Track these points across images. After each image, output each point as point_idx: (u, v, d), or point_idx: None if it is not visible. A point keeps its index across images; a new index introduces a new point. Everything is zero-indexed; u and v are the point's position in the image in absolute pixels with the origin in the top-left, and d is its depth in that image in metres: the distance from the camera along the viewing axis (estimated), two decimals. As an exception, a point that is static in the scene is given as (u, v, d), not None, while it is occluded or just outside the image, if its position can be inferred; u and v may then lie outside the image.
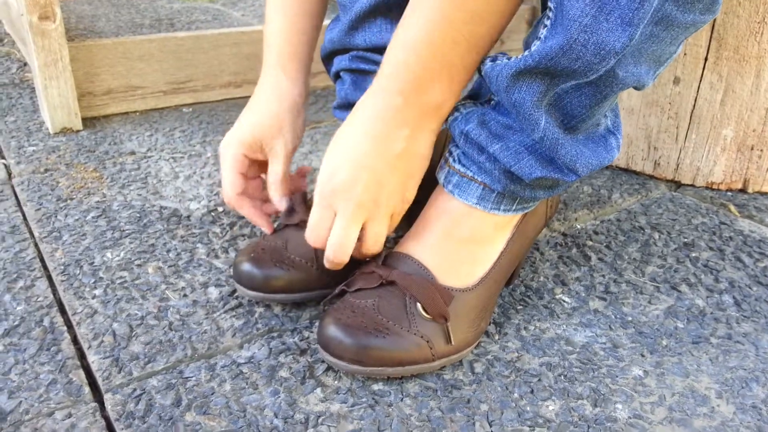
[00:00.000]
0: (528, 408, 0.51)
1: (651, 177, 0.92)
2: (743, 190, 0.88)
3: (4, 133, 1.00)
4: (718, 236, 0.76)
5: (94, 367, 0.54)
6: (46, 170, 0.88)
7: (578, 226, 0.79)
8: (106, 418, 0.49)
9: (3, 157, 0.92)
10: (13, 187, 0.84)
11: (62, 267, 0.67)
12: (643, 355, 0.57)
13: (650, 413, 0.51)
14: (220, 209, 0.80)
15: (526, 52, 0.47)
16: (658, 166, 0.91)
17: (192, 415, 0.49)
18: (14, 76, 1.27)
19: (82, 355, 0.55)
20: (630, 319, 0.61)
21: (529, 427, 0.49)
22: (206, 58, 1.13)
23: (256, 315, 0.61)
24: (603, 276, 0.68)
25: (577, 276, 0.68)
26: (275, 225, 0.65)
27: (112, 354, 0.55)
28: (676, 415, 0.50)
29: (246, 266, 0.58)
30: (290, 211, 0.63)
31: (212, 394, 0.51)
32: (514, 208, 0.56)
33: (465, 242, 0.56)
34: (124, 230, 0.74)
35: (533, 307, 0.63)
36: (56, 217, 0.76)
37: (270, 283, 0.58)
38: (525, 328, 0.60)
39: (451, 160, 0.56)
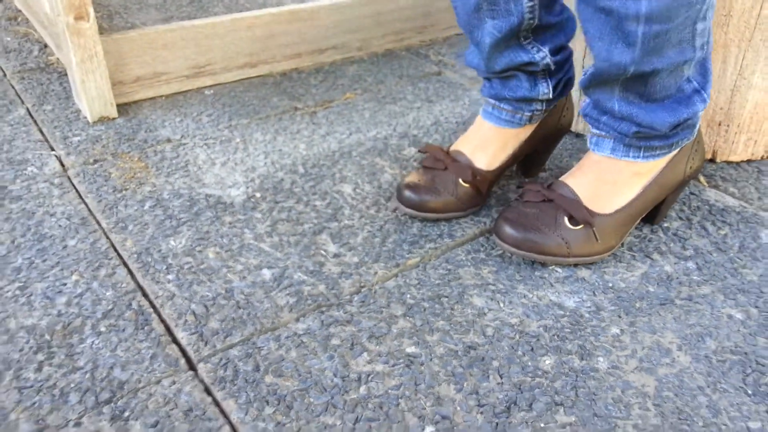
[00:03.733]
0: (529, 363, 0.65)
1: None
2: (712, 160, 1.01)
3: (46, 123, 1.10)
4: (687, 206, 0.90)
5: (183, 342, 0.67)
6: (95, 161, 0.99)
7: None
8: (203, 383, 0.62)
9: (52, 149, 1.02)
10: (70, 178, 0.95)
11: (135, 255, 0.79)
12: (620, 316, 0.71)
13: (624, 364, 0.65)
14: (258, 195, 0.92)
15: (582, 75, 0.75)
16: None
17: (270, 377, 0.63)
18: (39, 60, 1.35)
19: (170, 332, 0.68)
20: (611, 285, 0.75)
21: (531, 377, 0.63)
22: (223, 43, 1.22)
23: (305, 293, 0.74)
24: (589, 248, 0.81)
25: (567, 248, 0.81)
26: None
27: (196, 330, 0.68)
28: (645, 365, 0.65)
29: (407, 192, 0.82)
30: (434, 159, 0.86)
31: (282, 360, 0.65)
32: (641, 155, 0.76)
33: (609, 183, 0.77)
34: (179, 219, 0.86)
35: (533, 278, 0.76)
36: (117, 208, 0.88)
37: (424, 205, 0.82)
38: (526, 296, 0.73)
39: (589, 126, 0.79)
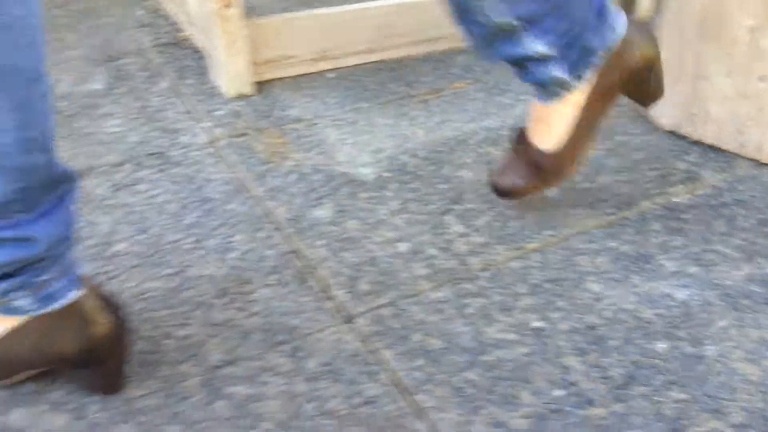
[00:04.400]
0: (645, 345, 0.73)
1: (736, 155, 1.10)
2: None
3: (189, 97, 1.22)
4: (788, 214, 0.95)
5: (339, 299, 0.78)
6: (240, 134, 1.10)
7: (675, 200, 0.98)
8: (361, 334, 0.73)
9: (200, 121, 1.14)
10: (219, 149, 1.06)
11: (288, 222, 0.90)
12: (727, 311, 0.78)
13: (731, 354, 0.72)
14: (386, 175, 1.01)
15: None
16: (744, 147, 1.09)
17: (417, 335, 0.73)
18: (171, 35, 1.48)
19: (326, 290, 0.79)
20: (718, 282, 0.82)
21: (646, 358, 0.72)
22: (346, 30, 1.32)
23: (438, 266, 0.83)
24: (697, 245, 0.88)
25: (676, 245, 0.88)
26: None
27: (349, 290, 0.79)
28: (751, 357, 0.72)
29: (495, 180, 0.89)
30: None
31: (424, 322, 0.75)
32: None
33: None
34: (321, 192, 0.97)
35: (645, 271, 0.84)
36: (266, 178, 0.99)
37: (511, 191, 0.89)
38: (639, 286, 0.81)
39: None
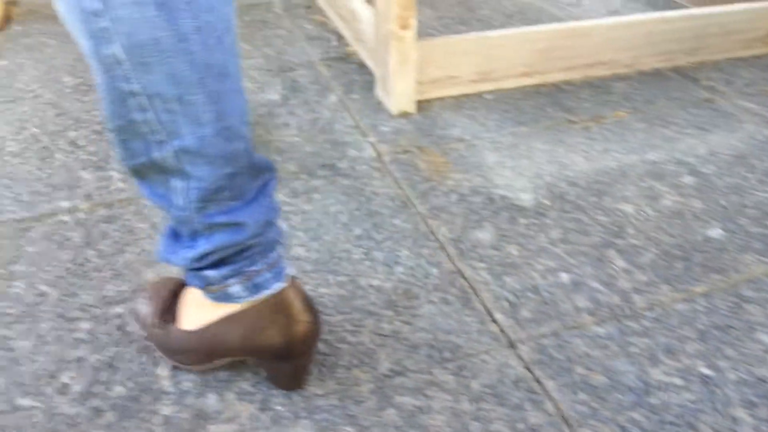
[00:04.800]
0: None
1: None
2: None
3: (356, 111, 1.29)
4: None
5: (501, 323, 0.81)
6: (404, 151, 1.16)
7: None
8: (524, 361, 0.76)
9: (365, 135, 1.21)
10: (385, 164, 1.13)
11: (451, 241, 0.94)
12: None
13: None
14: (546, 202, 1.03)
15: None
16: None
17: (580, 369, 0.74)
18: (338, 50, 1.57)
19: (490, 313, 0.83)
20: None
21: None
22: (507, 53, 1.34)
23: (602, 301, 0.84)
24: None
25: None
26: None
27: (511, 316, 0.82)
28: None
29: None
30: None
31: (588, 356, 0.76)
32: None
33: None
34: (481, 214, 1.00)
35: (824, 326, 0.80)
36: (428, 197, 1.04)
37: None
38: None
39: None
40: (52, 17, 1.73)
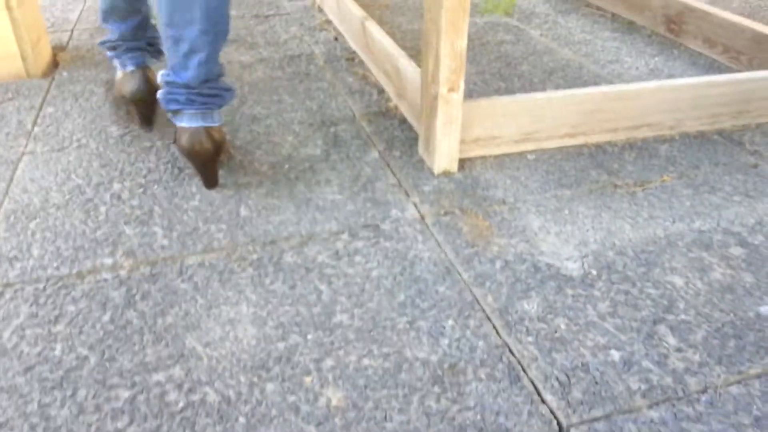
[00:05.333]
0: None
1: None
2: None
3: (398, 169, 1.29)
4: None
5: (552, 405, 0.78)
6: (446, 213, 1.15)
7: None
8: (576, 449, 0.73)
9: (408, 194, 1.21)
10: (428, 226, 1.12)
11: (497, 312, 0.92)
12: None
13: None
14: (594, 272, 1.01)
15: None
16: None
17: (635, 459, 0.71)
18: (379, 104, 1.58)
19: (539, 393, 0.80)
20: None
21: None
22: (552, 114, 1.34)
23: (654, 382, 0.81)
24: None
25: None
26: None
27: (562, 397, 0.79)
28: None
29: None
30: None
31: (643, 445, 0.73)
32: None
33: None
34: (527, 283, 0.98)
35: None
36: (473, 263, 1.03)
37: None
38: None
39: None
40: (100, 63, 1.77)
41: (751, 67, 1.76)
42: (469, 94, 1.63)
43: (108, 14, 1.30)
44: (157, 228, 1.10)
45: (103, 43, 1.36)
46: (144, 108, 1.38)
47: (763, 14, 2.30)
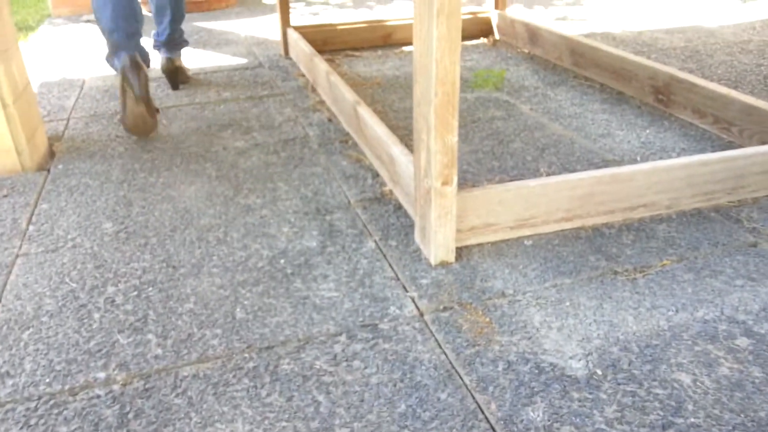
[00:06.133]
0: None
1: None
2: None
3: (393, 260, 1.28)
4: None
5: None
6: (445, 308, 1.14)
7: None
8: None
9: (406, 289, 1.19)
10: (427, 324, 1.10)
11: (501, 422, 0.90)
12: None
13: None
14: (599, 372, 0.99)
15: None
16: None
17: None
18: (374, 189, 1.58)
19: None
20: None
21: None
22: (547, 200, 1.33)
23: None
24: None
25: None
26: None
27: None
28: None
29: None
30: None
31: None
32: None
33: None
34: (531, 387, 0.96)
35: None
36: (474, 365, 1.00)
37: None
38: None
39: None
40: (96, 154, 1.78)
41: (742, 137, 1.77)
42: (463, 175, 1.64)
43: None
44: (151, 336, 1.08)
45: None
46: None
47: (749, 78, 2.34)
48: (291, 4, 3.96)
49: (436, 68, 1.10)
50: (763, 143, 1.69)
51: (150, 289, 1.20)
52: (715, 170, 1.44)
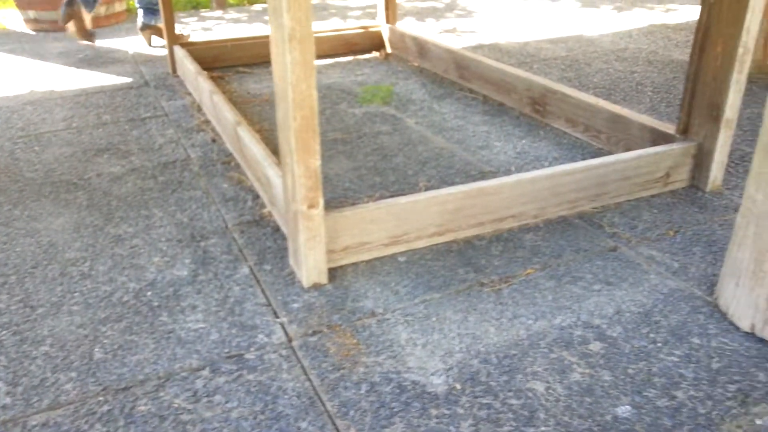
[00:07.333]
0: None
1: (826, 367, 1.04)
2: None
3: (268, 285, 1.27)
4: None
5: None
6: (314, 332, 1.14)
7: (758, 423, 0.93)
8: None
9: (276, 315, 1.19)
10: (294, 350, 1.09)
11: (359, 446, 0.90)
12: None
13: None
14: (458, 386, 1.01)
15: None
16: (834, 359, 1.03)
17: None
18: (253, 211, 1.56)
19: None
20: None
21: None
22: (419, 216, 1.36)
23: None
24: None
25: (768, 490, 0.83)
26: None
27: None
28: None
29: None
30: None
31: None
32: None
33: None
34: (392, 407, 0.97)
35: None
36: (338, 389, 1.01)
37: None
38: None
39: None
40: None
41: (610, 144, 1.87)
42: (345, 192, 1.65)
43: None
44: (0, 384, 1.02)
45: None
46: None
47: (622, 86, 2.47)
48: (185, 20, 3.87)
49: (293, 93, 1.10)
50: (628, 149, 1.79)
51: (3, 332, 1.13)
52: (578, 179, 1.51)
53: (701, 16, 1.53)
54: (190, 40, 2.88)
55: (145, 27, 3.06)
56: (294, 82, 1.09)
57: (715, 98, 1.55)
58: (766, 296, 1.08)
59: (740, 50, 1.47)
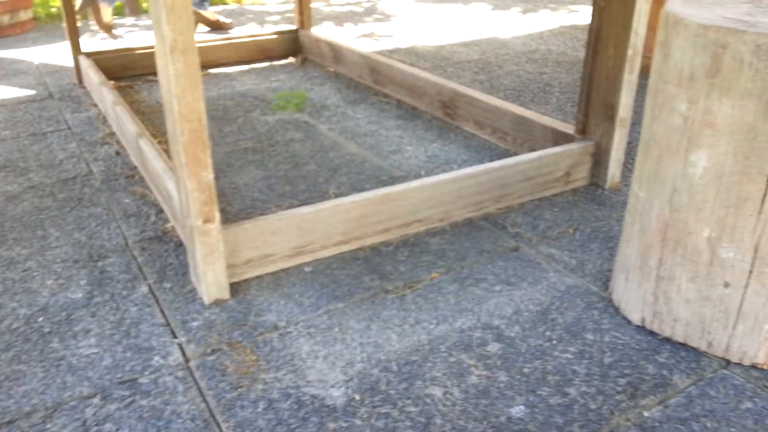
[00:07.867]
0: None
1: (705, 353, 1.10)
2: None
3: (167, 304, 1.24)
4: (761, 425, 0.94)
5: None
6: (213, 350, 1.11)
7: (646, 415, 0.97)
8: None
9: (174, 335, 1.16)
10: (191, 371, 1.07)
11: (253, 466, 0.89)
12: None
13: None
14: (357, 397, 1.01)
15: None
16: (711, 346, 1.09)
17: None
18: (156, 227, 1.52)
19: None
20: None
21: None
22: (323, 225, 1.36)
23: None
24: (670, 480, 0.86)
25: (648, 479, 0.86)
26: None
27: None
28: None
29: None
30: None
31: None
32: None
33: None
34: (289, 424, 0.96)
35: None
36: (234, 409, 0.99)
37: None
38: None
39: None
40: None
41: (516, 145, 1.92)
42: (253, 203, 1.63)
43: None
44: None
45: None
46: None
47: (531, 87, 2.54)
48: (95, 27, 3.74)
49: (179, 106, 1.07)
50: (532, 150, 1.84)
51: None
52: (482, 181, 1.54)
53: (593, 19, 1.58)
54: (98, 49, 2.78)
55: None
56: (179, 94, 1.07)
57: (609, 98, 1.60)
58: (652, 290, 1.13)
59: (630, 51, 1.53)
